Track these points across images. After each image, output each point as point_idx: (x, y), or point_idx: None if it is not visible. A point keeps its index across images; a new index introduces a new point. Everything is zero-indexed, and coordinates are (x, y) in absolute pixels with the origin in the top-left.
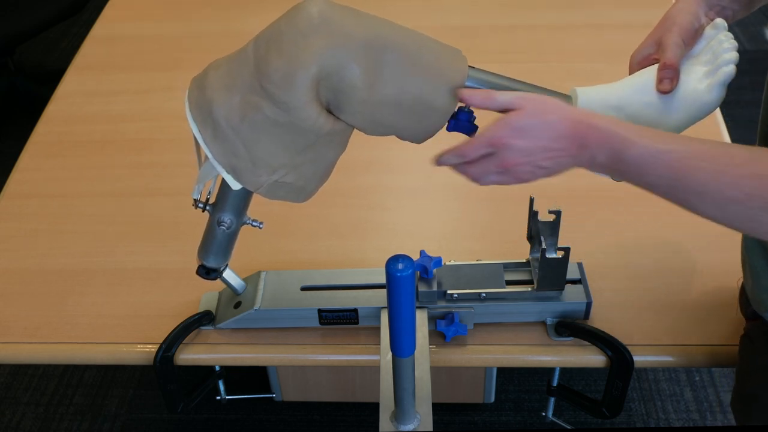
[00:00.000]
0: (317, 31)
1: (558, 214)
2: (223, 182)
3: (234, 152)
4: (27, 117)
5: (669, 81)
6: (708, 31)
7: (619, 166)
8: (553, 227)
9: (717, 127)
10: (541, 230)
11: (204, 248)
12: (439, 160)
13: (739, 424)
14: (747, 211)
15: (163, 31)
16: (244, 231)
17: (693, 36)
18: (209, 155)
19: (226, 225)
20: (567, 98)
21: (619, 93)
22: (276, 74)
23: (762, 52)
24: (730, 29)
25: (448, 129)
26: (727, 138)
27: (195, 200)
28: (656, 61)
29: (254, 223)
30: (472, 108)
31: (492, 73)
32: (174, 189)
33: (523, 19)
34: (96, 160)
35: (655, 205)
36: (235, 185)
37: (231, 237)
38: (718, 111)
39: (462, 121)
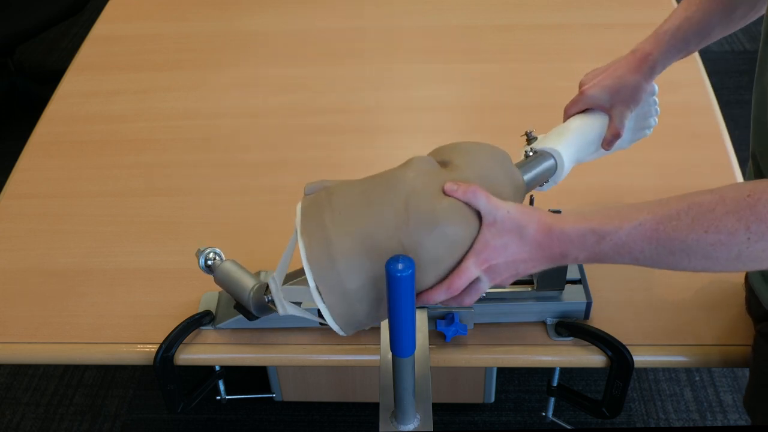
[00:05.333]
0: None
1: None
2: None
3: (354, 317)
4: (27, 117)
5: (612, 144)
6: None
7: (601, 258)
8: None
9: (717, 127)
10: None
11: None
12: (428, 300)
13: (755, 421)
14: (733, 248)
15: (163, 31)
16: (244, 230)
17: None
18: (328, 319)
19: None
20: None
21: (578, 148)
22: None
23: None
24: None
25: None
26: (727, 138)
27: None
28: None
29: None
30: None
31: None
32: (174, 189)
33: (523, 19)
34: (96, 160)
35: None
36: (337, 329)
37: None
38: (718, 111)
39: None
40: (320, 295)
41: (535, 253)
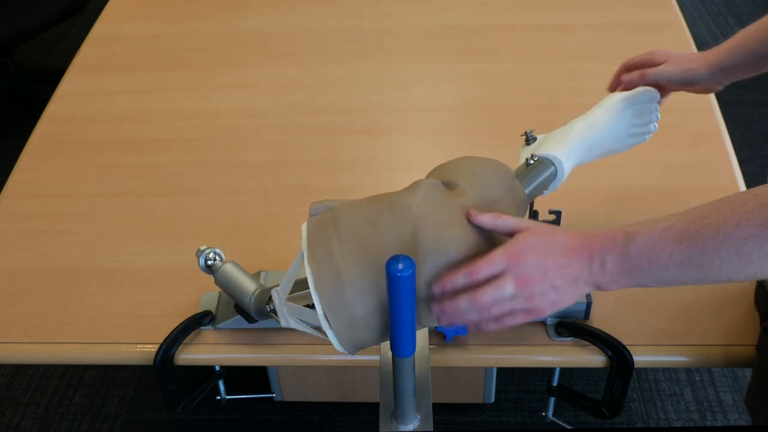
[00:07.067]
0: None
1: (558, 214)
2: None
3: (359, 342)
4: (27, 117)
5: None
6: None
7: (630, 261)
8: None
9: (717, 127)
10: None
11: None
12: (445, 284)
13: (756, 421)
14: (765, 242)
15: (163, 31)
16: (244, 230)
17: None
18: (335, 344)
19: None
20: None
21: (580, 155)
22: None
23: None
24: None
25: None
26: (727, 138)
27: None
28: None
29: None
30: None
31: None
32: (174, 189)
33: (523, 19)
34: (96, 160)
35: (655, 205)
36: (339, 348)
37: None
38: (718, 111)
39: None
40: (328, 321)
41: (565, 256)
